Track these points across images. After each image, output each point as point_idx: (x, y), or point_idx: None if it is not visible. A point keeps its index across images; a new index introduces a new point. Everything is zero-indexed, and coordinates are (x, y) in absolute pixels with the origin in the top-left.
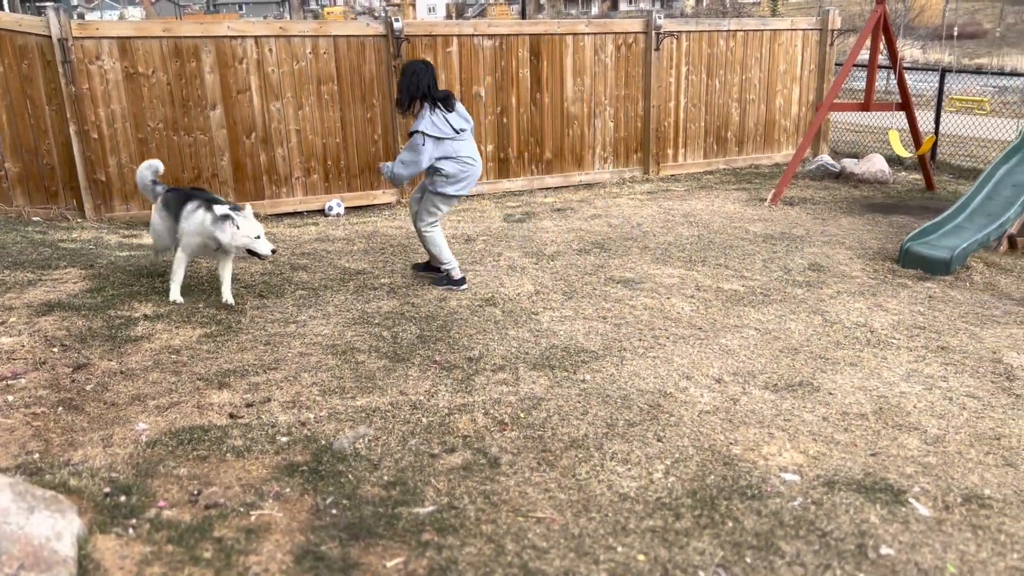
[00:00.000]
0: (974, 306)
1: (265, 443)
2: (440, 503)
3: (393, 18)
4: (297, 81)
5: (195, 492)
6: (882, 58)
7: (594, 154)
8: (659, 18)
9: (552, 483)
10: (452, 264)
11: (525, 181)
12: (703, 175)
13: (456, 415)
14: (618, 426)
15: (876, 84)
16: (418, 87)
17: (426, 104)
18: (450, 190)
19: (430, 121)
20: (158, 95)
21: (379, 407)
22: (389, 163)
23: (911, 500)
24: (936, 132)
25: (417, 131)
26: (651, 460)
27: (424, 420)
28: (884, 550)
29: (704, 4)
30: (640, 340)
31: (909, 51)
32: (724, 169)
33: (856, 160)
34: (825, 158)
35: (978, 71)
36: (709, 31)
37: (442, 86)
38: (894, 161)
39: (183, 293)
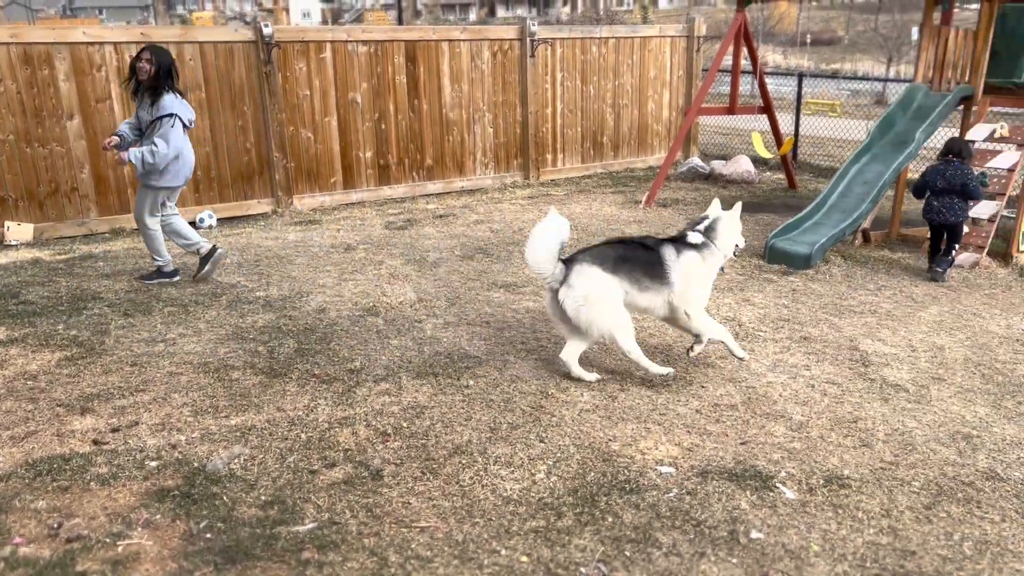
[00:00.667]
0: (833, 298)
1: (133, 469)
2: (321, 519)
3: (263, 23)
4: None
5: (55, 525)
6: (746, 63)
7: (475, 160)
8: (533, 25)
9: (436, 491)
10: (166, 259)
11: (407, 188)
12: (582, 179)
13: (337, 429)
14: (501, 429)
15: (740, 88)
16: (171, 68)
17: (167, 87)
18: (180, 181)
19: (183, 105)
20: (6, 105)
21: (255, 425)
22: (135, 149)
23: (778, 485)
24: (796, 133)
25: (173, 114)
26: (533, 461)
27: (303, 436)
28: (754, 534)
29: (579, 11)
30: (522, 343)
31: (771, 56)
32: (601, 173)
33: (724, 162)
34: (695, 160)
35: (833, 75)
36: (582, 38)
37: (316, 93)
38: (759, 162)
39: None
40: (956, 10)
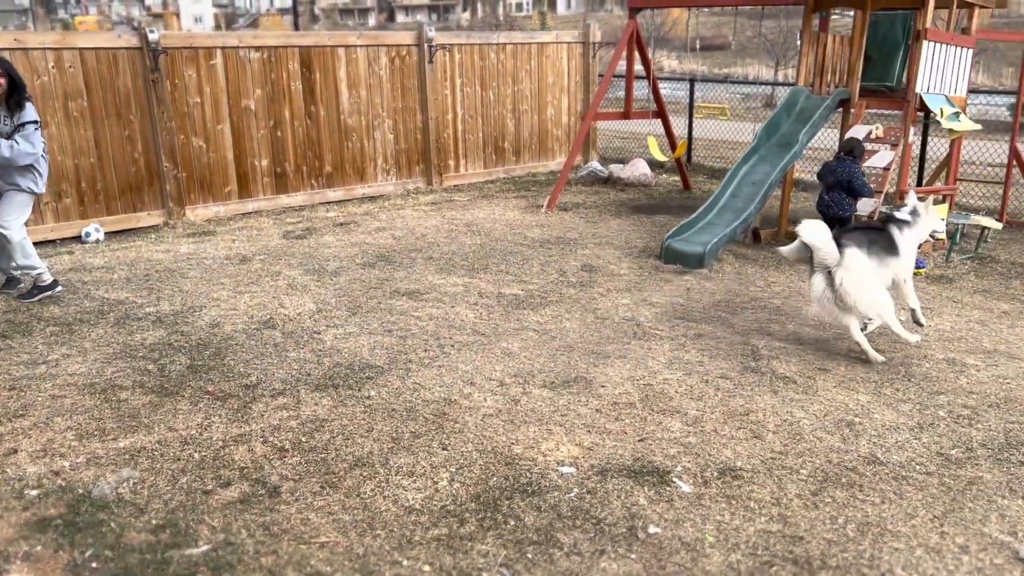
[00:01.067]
0: (726, 295)
1: (11, 499)
2: (215, 541)
3: (148, 29)
4: (40, 97)
5: None
6: (641, 69)
7: (376, 166)
8: (430, 31)
9: (336, 505)
10: (43, 268)
11: (306, 196)
12: (484, 184)
13: (232, 446)
14: (403, 439)
15: (636, 93)
16: (20, 77)
17: (26, 96)
18: (41, 187)
19: (36, 112)
20: None
21: (145, 447)
22: None
23: (675, 479)
24: (689, 137)
25: (34, 121)
26: (436, 469)
27: (196, 455)
28: (652, 529)
29: (479, 16)
30: (425, 351)
31: (666, 62)
32: (504, 178)
33: (622, 165)
34: (595, 164)
35: (725, 80)
36: (480, 44)
37: (207, 100)
38: (656, 165)
39: None
40: (835, 17)
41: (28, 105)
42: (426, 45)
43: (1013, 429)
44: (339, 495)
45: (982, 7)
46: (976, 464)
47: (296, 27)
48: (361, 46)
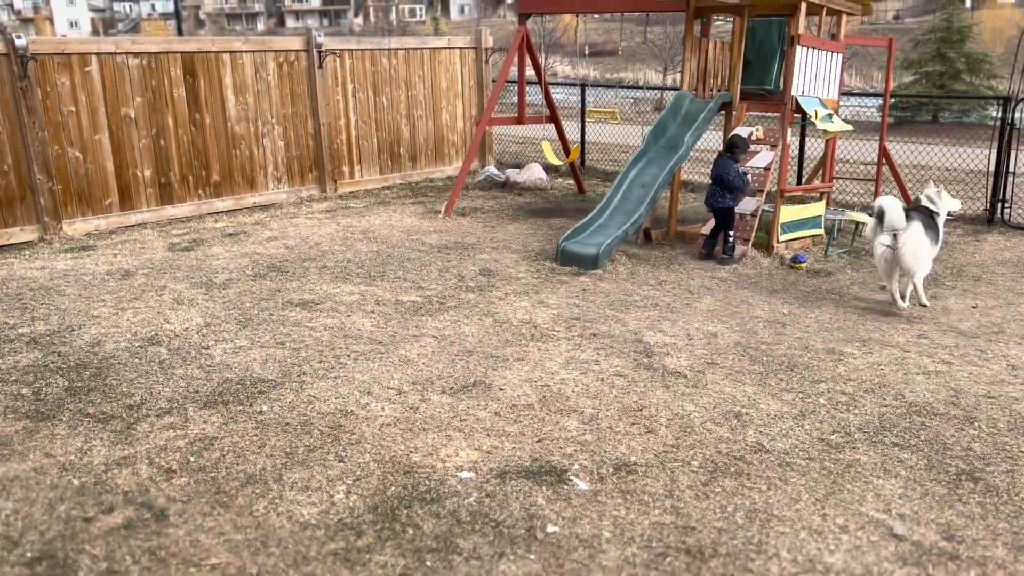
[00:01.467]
0: (620, 294)
1: None
2: (98, 570)
3: (15, 35)
4: None
5: None
6: (534, 74)
7: (267, 174)
8: (319, 36)
9: (228, 525)
10: None
11: (192, 206)
12: (381, 191)
13: (115, 470)
14: (298, 453)
15: (529, 98)
16: None
17: None
18: None
19: None
20: None
21: (19, 475)
22: None
23: (572, 477)
24: (582, 141)
25: None
26: (332, 482)
27: (76, 481)
28: (550, 528)
29: (371, 22)
30: (320, 362)
31: (560, 67)
32: (401, 184)
33: (518, 170)
34: (491, 169)
35: (617, 84)
36: (371, 49)
37: (83, 109)
38: (551, 169)
39: None
40: (719, 23)
41: None
42: (315, 50)
43: (886, 412)
44: (230, 514)
45: (850, 14)
46: (854, 447)
47: (180, 32)
48: (247, 51)
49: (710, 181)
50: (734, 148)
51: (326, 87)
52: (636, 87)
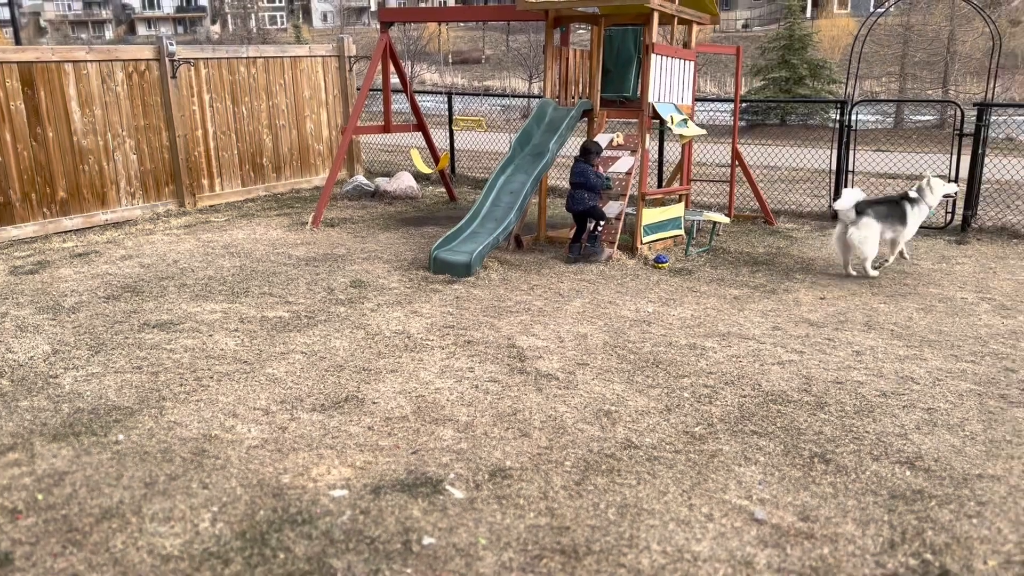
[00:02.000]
0: (493, 301)
1: None
2: None
3: None
4: None
5: None
6: (399, 82)
7: (119, 190)
8: (171, 45)
9: (81, 565)
10: None
11: (37, 226)
12: (244, 203)
13: None
14: (159, 483)
15: (397, 107)
16: None
17: None
18: None
19: None
20: None
21: None
22: None
23: (448, 487)
24: (451, 148)
25: None
26: (196, 511)
27: None
28: (426, 540)
29: (230, 30)
30: (181, 385)
31: (428, 75)
32: (265, 196)
33: (388, 179)
34: (360, 179)
35: (485, 92)
36: (228, 58)
37: None
38: (421, 177)
39: None
40: (582, 31)
41: None
42: (168, 60)
43: (745, 402)
44: (84, 553)
45: (699, 23)
46: (716, 438)
47: (18, 41)
48: (92, 61)
49: (571, 183)
50: (588, 153)
51: (181, 97)
52: (501, 95)
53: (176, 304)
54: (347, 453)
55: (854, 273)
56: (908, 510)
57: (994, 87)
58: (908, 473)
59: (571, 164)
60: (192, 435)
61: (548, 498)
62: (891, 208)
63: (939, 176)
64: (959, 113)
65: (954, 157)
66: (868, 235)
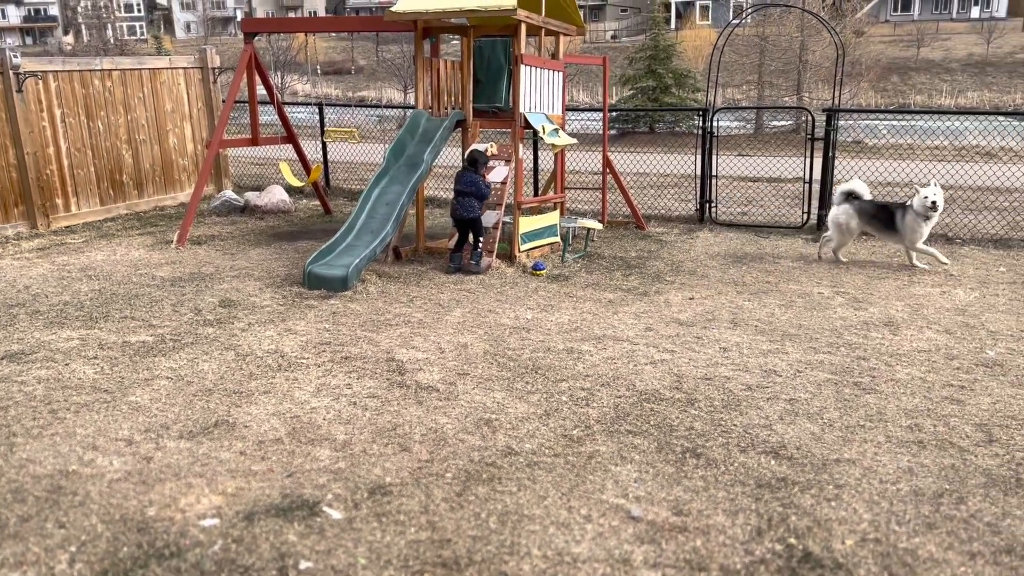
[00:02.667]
0: (371, 314)
1: None
2: None
3: None
4: None
5: None
6: (267, 94)
7: None
8: (15, 57)
9: None
10: None
11: None
12: (103, 223)
13: None
14: (9, 526)
15: (266, 119)
16: None
17: None
18: None
19: None
20: None
21: None
22: None
23: (324, 508)
24: (325, 160)
25: None
26: (52, 552)
27: None
28: (303, 565)
29: (85, 41)
30: (34, 419)
31: (300, 86)
32: (127, 214)
33: (258, 193)
34: (228, 194)
35: (360, 103)
36: (81, 71)
37: None
38: (294, 190)
39: None
40: (455, 42)
41: None
42: (12, 72)
43: (620, 403)
44: None
45: (566, 34)
46: (593, 439)
47: None
48: None
49: (455, 194)
50: (476, 163)
51: (28, 113)
52: (377, 106)
53: (28, 333)
54: (218, 480)
55: (831, 257)
56: (773, 497)
57: (839, 94)
58: (773, 462)
59: (450, 174)
60: (47, 472)
61: (429, 512)
62: (879, 211)
63: (924, 185)
64: (811, 118)
65: (807, 160)
66: (836, 217)
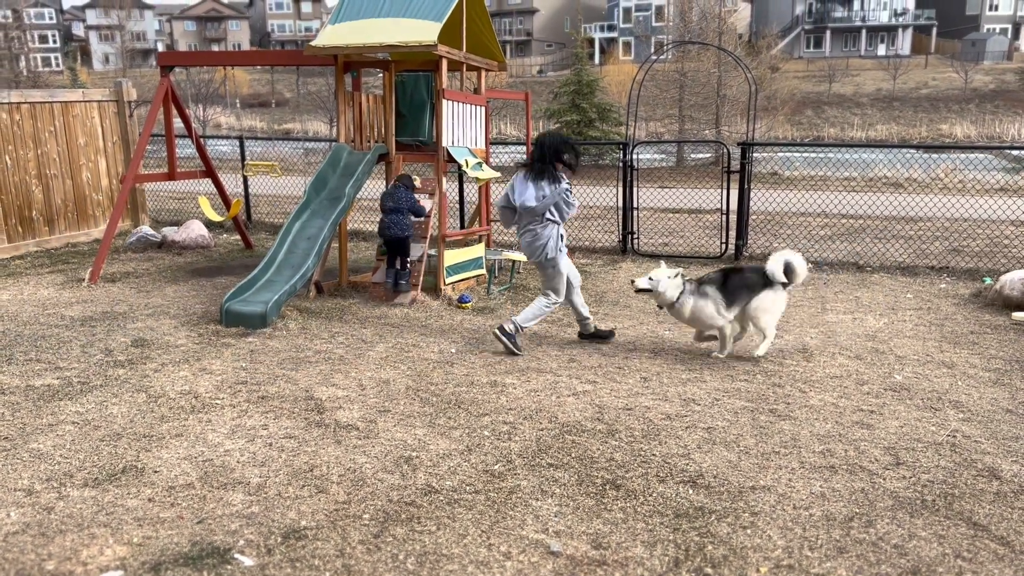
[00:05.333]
0: (291, 352)
1: None
2: None
3: None
4: None
5: None
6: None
7: None
8: None
9: None
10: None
11: None
12: (11, 261)
13: None
14: None
15: (186, 151)
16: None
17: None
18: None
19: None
20: None
21: None
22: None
23: (236, 555)
24: (246, 194)
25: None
26: None
27: None
28: None
29: None
30: None
31: (224, 119)
32: (36, 252)
33: (177, 228)
34: (145, 229)
35: (285, 136)
36: None
37: None
38: (214, 225)
39: None
40: (380, 75)
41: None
42: None
43: (543, 436)
44: None
45: (488, 69)
46: (515, 474)
47: None
48: None
49: (384, 212)
50: (409, 183)
51: None
52: (301, 139)
53: None
54: (123, 530)
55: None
56: (691, 527)
57: (754, 128)
58: (691, 491)
59: (373, 206)
60: None
61: (345, 555)
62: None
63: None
64: (727, 151)
65: (724, 191)
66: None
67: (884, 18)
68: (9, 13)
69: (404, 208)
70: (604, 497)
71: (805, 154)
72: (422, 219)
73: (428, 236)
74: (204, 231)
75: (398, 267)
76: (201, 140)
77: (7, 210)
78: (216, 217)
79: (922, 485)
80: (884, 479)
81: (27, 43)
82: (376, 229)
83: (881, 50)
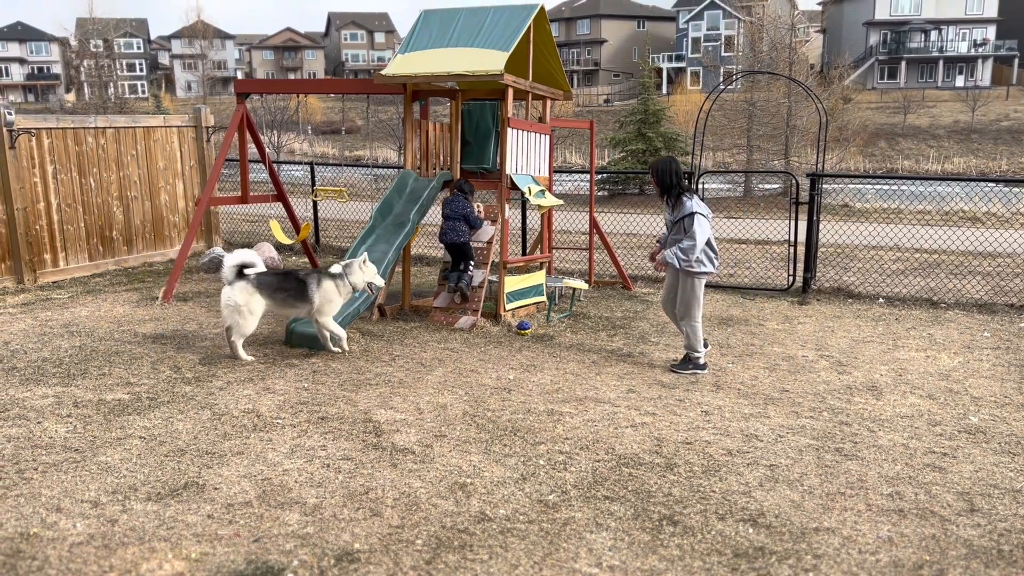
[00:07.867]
0: (352, 373)
1: None
2: None
3: None
4: None
5: None
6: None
7: None
8: (9, 114)
9: None
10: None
11: None
12: (91, 278)
13: None
14: None
15: (260, 176)
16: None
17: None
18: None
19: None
20: None
21: None
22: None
23: (289, 575)
24: (315, 218)
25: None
26: None
27: None
28: None
29: (86, 98)
30: (2, 486)
31: (297, 145)
32: (115, 270)
33: (248, 250)
34: (217, 250)
35: (355, 163)
36: (75, 128)
37: None
38: (284, 247)
39: None
40: (445, 104)
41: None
42: (5, 129)
43: (599, 467)
44: None
45: (553, 99)
46: (570, 505)
47: None
48: None
49: (443, 219)
50: (463, 190)
51: (20, 169)
52: (370, 166)
53: (2, 390)
54: (182, 545)
55: (236, 353)
56: (750, 567)
57: (823, 159)
58: (751, 530)
59: (434, 231)
60: (7, 535)
61: None
62: (285, 281)
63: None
64: (795, 182)
65: (792, 223)
66: (231, 299)
67: (963, 48)
68: (100, 43)
69: (459, 215)
70: (660, 533)
71: (877, 186)
72: (476, 229)
73: (489, 262)
74: (274, 252)
75: (461, 269)
76: (273, 165)
77: (90, 230)
78: (286, 240)
79: (998, 534)
80: (957, 526)
81: (116, 71)
82: (439, 255)
83: (959, 81)
